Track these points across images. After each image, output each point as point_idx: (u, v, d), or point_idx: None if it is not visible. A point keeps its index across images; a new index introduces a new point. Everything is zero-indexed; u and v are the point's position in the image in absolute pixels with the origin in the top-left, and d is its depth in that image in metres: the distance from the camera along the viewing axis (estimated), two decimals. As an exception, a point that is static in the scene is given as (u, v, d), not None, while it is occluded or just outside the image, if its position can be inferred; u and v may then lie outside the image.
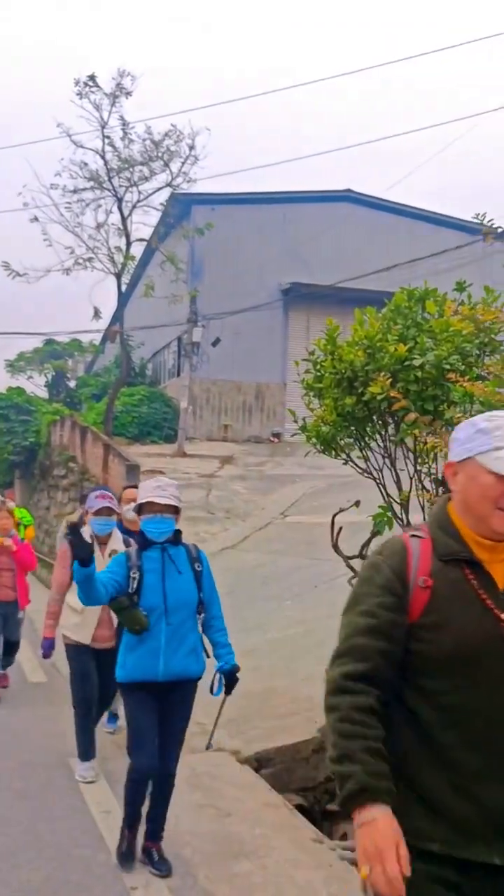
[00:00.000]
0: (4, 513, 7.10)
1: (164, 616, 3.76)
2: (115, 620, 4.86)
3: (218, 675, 3.97)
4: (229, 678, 3.96)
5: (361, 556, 5.55)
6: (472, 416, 3.37)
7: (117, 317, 22.19)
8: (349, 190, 25.94)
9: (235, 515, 14.21)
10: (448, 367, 3.98)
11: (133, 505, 4.36)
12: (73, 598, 4.86)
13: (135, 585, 3.77)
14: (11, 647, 7.50)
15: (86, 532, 4.60)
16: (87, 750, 5.08)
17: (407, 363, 3.99)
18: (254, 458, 20.84)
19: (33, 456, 26.41)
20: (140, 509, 3.90)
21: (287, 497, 15.68)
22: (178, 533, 3.91)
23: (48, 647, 5.40)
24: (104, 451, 16.68)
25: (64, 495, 20.30)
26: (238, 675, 3.99)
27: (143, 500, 3.82)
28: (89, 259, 19.54)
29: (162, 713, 3.82)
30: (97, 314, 20.43)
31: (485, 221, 3.53)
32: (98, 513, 4.94)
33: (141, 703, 3.79)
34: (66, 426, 22.26)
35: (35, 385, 37.74)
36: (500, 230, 3.70)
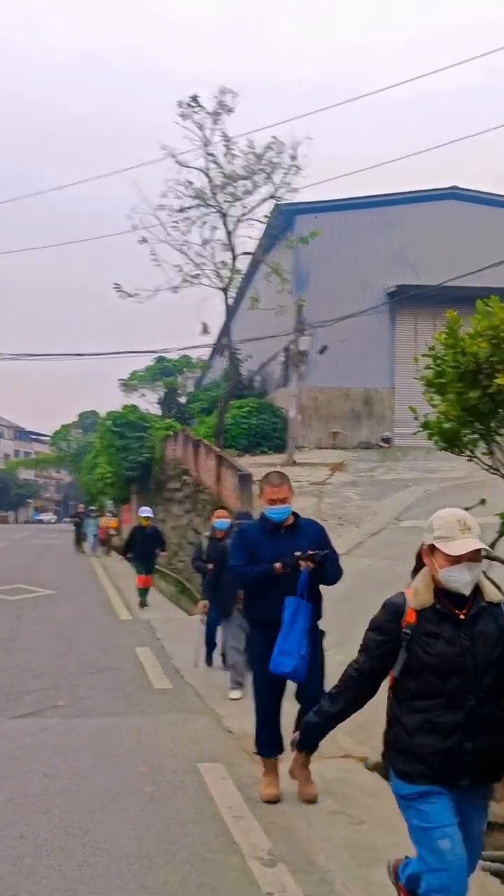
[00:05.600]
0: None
1: None
2: None
3: None
4: None
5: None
6: None
7: (225, 331, 22.50)
8: (454, 187, 25.35)
9: (349, 522, 14.03)
10: None
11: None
12: None
13: None
14: None
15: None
16: None
17: (535, 352, 3.81)
18: (364, 463, 20.58)
19: (148, 471, 27.15)
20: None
21: (400, 502, 15.36)
22: None
23: None
24: (217, 463, 16.90)
25: (179, 508, 20.70)
26: None
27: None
28: (196, 276, 19.96)
29: None
30: (205, 329, 20.85)
31: None
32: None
33: None
34: (178, 441, 22.75)
35: (148, 402, 38.98)
36: None
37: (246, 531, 5.05)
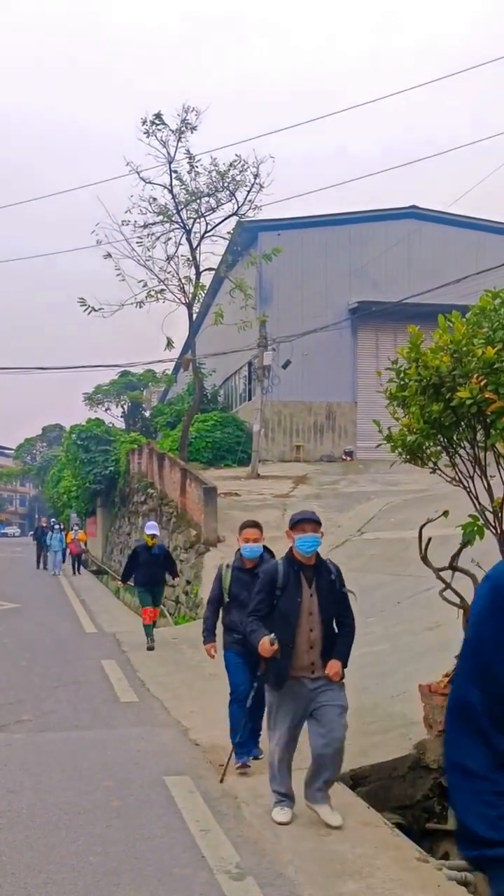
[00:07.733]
0: None
1: None
2: None
3: None
4: None
5: (452, 567, 5.43)
6: None
7: (189, 345, 22.53)
8: (414, 206, 25.80)
9: (313, 535, 14.10)
10: (538, 368, 3.87)
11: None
12: None
13: None
14: None
15: None
16: None
17: (496, 366, 3.90)
18: (327, 476, 20.73)
19: (113, 484, 26.98)
20: None
21: (363, 514, 15.50)
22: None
23: None
24: (181, 476, 16.88)
25: (144, 521, 20.63)
26: None
27: None
28: (161, 291, 19.94)
29: None
30: (170, 344, 20.78)
31: None
32: None
33: None
34: (143, 454, 22.68)
35: (112, 416, 38.82)
36: None
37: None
